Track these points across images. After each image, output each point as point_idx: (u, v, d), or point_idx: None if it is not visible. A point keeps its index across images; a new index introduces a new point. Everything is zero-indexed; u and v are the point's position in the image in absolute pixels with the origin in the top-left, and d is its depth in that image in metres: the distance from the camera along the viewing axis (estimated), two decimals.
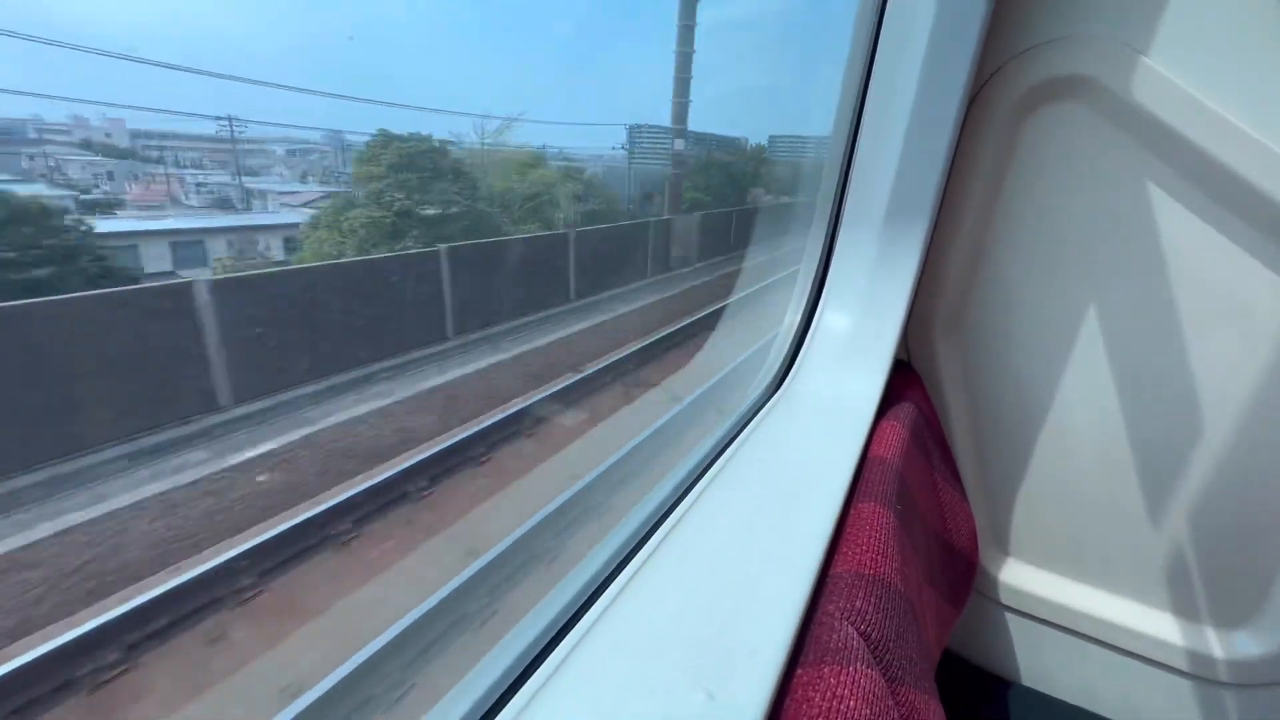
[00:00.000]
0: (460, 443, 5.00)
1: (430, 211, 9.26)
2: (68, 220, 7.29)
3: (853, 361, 0.96)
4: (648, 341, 7.78)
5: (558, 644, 0.43)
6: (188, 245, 9.66)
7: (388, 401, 6.04)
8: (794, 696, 0.42)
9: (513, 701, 0.39)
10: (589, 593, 0.50)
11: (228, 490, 4.49)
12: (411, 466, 4.55)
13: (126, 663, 3.12)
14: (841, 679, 0.42)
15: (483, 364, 7.24)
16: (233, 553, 3.62)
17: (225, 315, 5.56)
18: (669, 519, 0.59)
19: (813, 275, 1.03)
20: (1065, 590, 1.09)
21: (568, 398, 6.27)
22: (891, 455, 0.79)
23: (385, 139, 9.55)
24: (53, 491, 4.35)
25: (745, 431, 0.78)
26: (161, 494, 4.36)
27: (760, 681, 0.42)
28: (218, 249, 9.96)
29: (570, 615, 0.48)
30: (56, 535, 3.94)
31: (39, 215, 7.00)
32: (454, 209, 9.59)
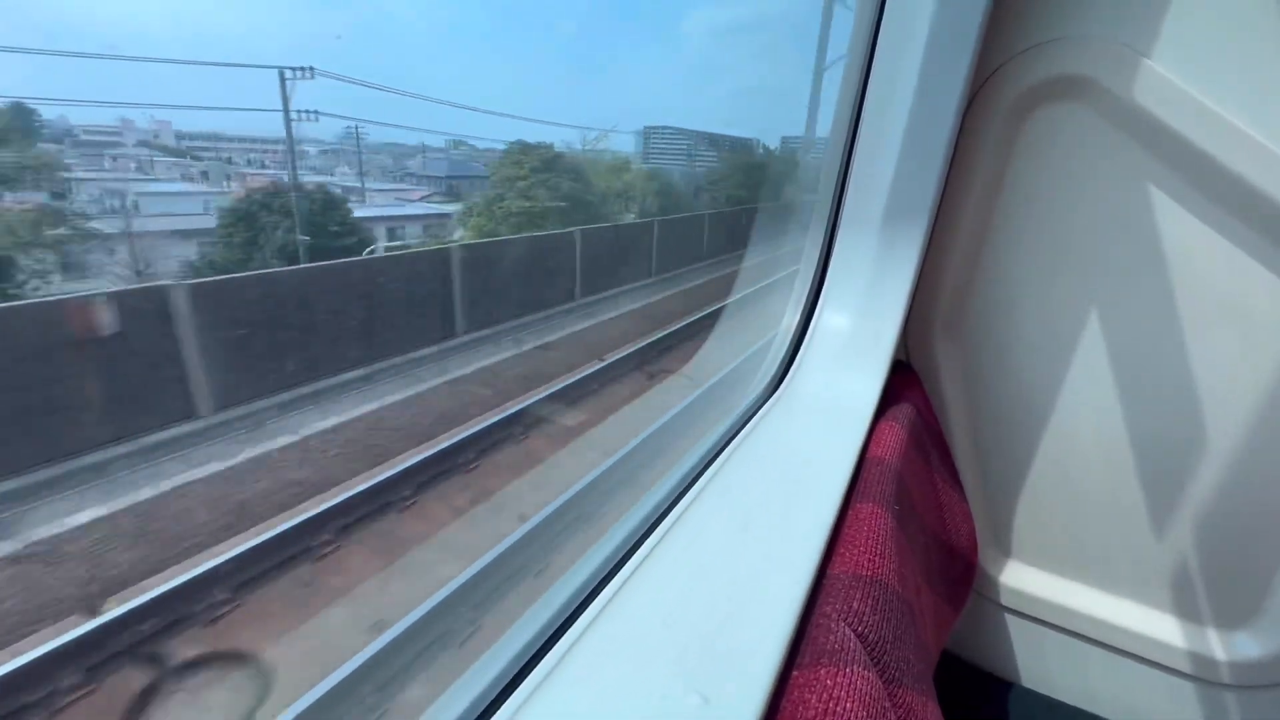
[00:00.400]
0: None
1: (555, 203, 12.60)
2: (348, 206, 11.39)
3: (852, 362, 0.96)
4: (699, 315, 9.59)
5: (552, 646, 0.43)
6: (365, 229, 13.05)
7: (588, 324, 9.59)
8: (789, 698, 0.42)
9: (507, 704, 0.39)
10: (584, 594, 0.50)
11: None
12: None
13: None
14: (838, 680, 0.42)
15: (613, 314, 10.20)
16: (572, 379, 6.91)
17: (465, 269, 8.76)
18: (666, 520, 0.59)
19: (811, 275, 1.03)
20: (1065, 591, 1.09)
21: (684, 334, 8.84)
22: (890, 456, 0.78)
23: (525, 148, 13.21)
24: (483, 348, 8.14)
25: (743, 432, 0.78)
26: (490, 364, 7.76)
27: (755, 684, 0.41)
28: (379, 231, 13.19)
29: (565, 617, 0.48)
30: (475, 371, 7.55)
31: (339, 202, 11.30)
32: (565, 202, 12.94)
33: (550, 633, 0.47)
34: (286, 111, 10.28)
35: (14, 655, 2.88)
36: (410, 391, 6.78)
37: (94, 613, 3.23)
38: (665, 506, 0.62)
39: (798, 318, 1.04)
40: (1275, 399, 0.87)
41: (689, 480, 0.67)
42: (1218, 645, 0.98)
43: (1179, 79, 0.80)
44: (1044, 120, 0.91)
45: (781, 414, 0.86)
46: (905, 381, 1.05)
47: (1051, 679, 1.14)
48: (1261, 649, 0.94)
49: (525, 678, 0.41)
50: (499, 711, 0.38)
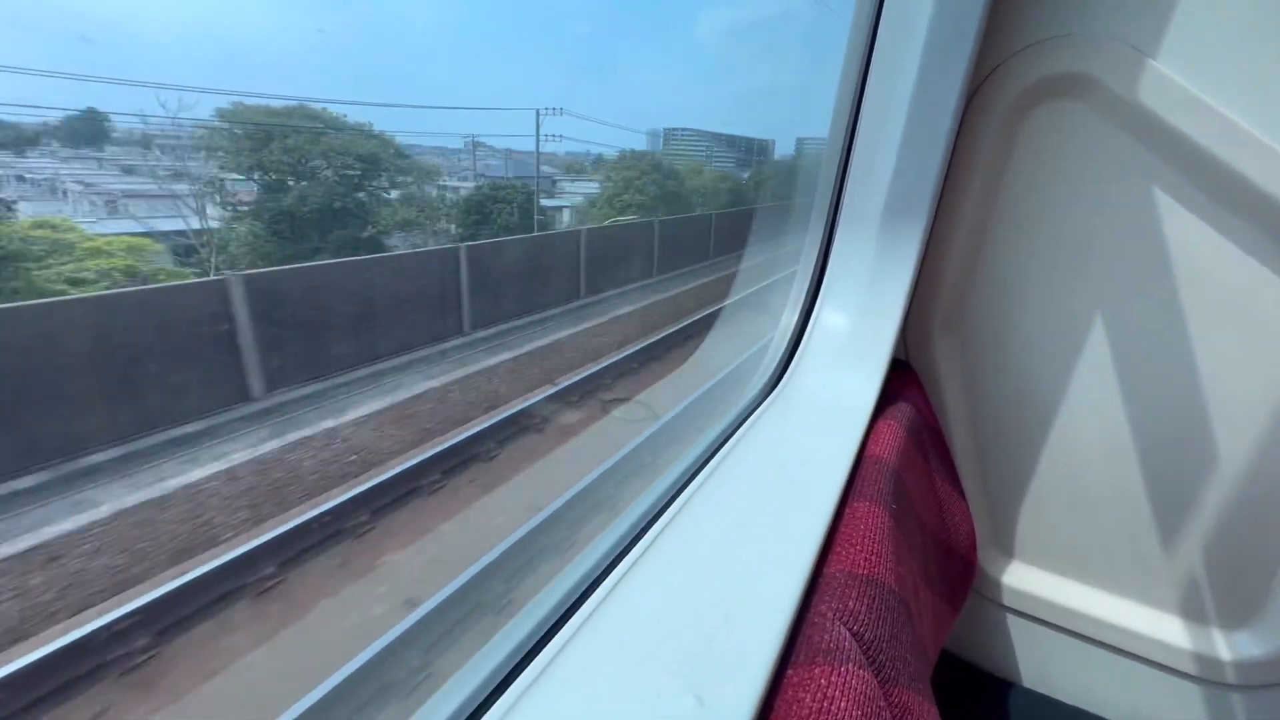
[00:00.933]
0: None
1: (658, 198, 16.73)
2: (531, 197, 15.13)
3: (850, 360, 0.96)
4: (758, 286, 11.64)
5: (546, 644, 0.43)
6: None
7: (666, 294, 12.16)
8: (784, 697, 0.42)
9: (498, 703, 0.38)
10: (579, 593, 0.50)
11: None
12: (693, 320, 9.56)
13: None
14: (832, 679, 0.42)
15: (691, 286, 12.84)
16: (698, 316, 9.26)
17: (591, 246, 11.37)
18: (661, 518, 0.58)
19: (810, 274, 1.03)
20: (1065, 591, 1.09)
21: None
22: (888, 454, 0.78)
23: (637, 154, 17.55)
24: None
25: (741, 430, 0.78)
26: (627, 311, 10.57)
27: (750, 684, 0.41)
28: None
29: (560, 615, 0.47)
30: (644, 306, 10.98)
31: (532, 195, 14.63)
32: (666, 197, 17.00)
33: (544, 631, 0.46)
34: (538, 137, 15.65)
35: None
36: (675, 291, 11.76)
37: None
38: (662, 504, 0.62)
39: (796, 316, 1.03)
40: (1275, 398, 0.86)
41: (686, 478, 0.67)
42: (1219, 645, 0.98)
43: (1180, 76, 0.80)
44: (1044, 118, 0.90)
45: (779, 413, 0.85)
46: (904, 380, 1.05)
47: (1051, 679, 1.14)
48: (1263, 648, 0.94)
49: (518, 676, 0.40)
50: (490, 711, 0.38)
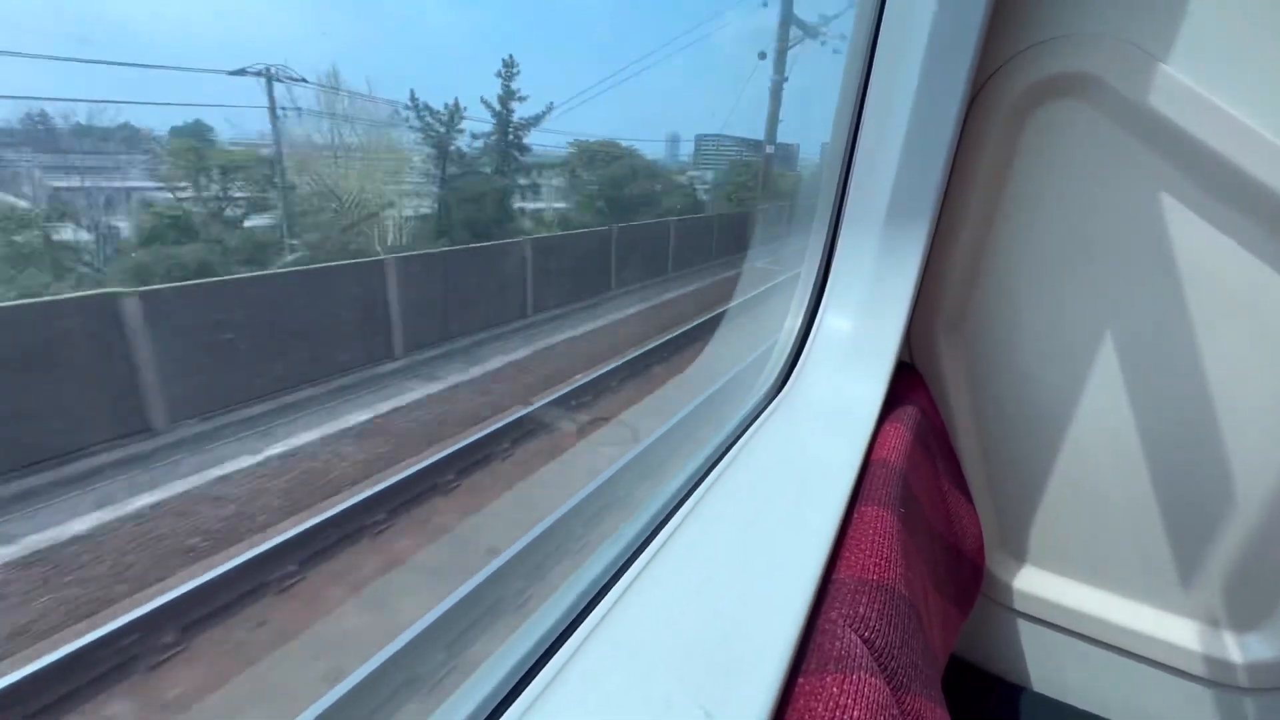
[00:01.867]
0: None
1: (758, 193, 20.54)
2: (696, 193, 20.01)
3: (855, 364, 0.95)
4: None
5: (553, 655, 0.42)
6: None
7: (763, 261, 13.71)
8: (795, 706, 0.41)
9: (508, 713, 0.38)
10: (586, 601, 0.49)
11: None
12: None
13: None
14: (844, 687, 0.41)
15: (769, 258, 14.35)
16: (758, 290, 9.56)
17: (725, 227, 16.87)
18: (668, 525, 0.58)
19: (814, 277, 1.02)
20: (1075, 594, 1.08)
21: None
22: (895, 458, 0.77)
23: (745, 162, 22.06)
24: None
25: (746, 436, 0.77)
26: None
27: (761, 693, 0.40)
28: None
29: (567, 625, 0.47)
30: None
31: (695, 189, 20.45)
32: (764, 193, 20.75)
33: (551, 641, 0.46)
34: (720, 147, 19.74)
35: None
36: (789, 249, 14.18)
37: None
38: (668, 511, 0.61)
39: (800, 320, 1.03)
40: None
41: (692, 484, 0.66)
42: (1230, 647, 0.97)
43: (1184, 75, 0.79)
44: (1047, 118, 0.90)
45: (785, 417, 0.85)
46: (909, 383, 1.04)
47: (1063, 683, 1.13)
48: (1274, 651, 0.93)
49: (525, 688, 0.40)
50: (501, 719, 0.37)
